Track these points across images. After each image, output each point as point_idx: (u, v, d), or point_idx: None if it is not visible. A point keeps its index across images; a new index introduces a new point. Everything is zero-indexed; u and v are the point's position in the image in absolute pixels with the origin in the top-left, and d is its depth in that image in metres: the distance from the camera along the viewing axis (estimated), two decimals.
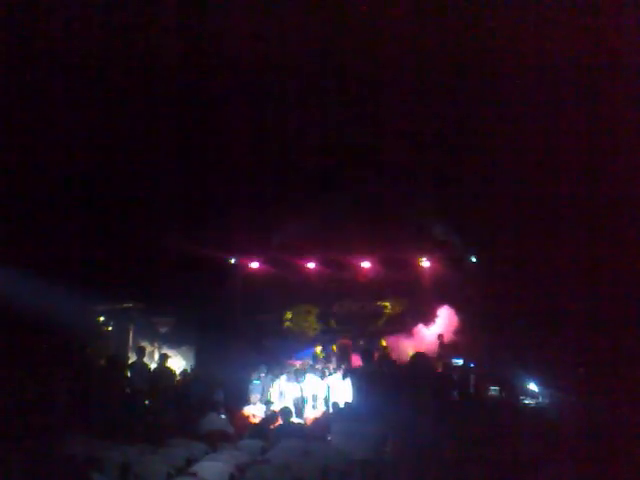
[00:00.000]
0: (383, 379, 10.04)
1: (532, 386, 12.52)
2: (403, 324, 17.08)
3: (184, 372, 14.45)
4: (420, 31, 8.71)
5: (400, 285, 17.91)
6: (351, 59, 9.49)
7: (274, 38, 8.95)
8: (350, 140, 11.62)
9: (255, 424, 10.15)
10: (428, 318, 16.61)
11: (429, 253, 17.29)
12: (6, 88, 9.29)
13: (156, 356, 14.78)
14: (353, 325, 17.65)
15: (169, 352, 14.56)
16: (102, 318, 15.57)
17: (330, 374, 13.50)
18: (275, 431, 8.90)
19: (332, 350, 15.90)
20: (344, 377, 12.65)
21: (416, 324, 16.72)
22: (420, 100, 10.20)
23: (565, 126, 10.28)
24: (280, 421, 9.42)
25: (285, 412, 9.48)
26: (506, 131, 10.77)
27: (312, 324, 18.05)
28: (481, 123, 10.79)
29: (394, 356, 14.27)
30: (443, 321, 16.43)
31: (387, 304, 18.01)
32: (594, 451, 6.50)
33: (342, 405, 11.00)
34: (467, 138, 11.28)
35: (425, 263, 17.42)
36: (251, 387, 13.04)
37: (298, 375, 13.34)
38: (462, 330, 15.96)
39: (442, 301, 16.69)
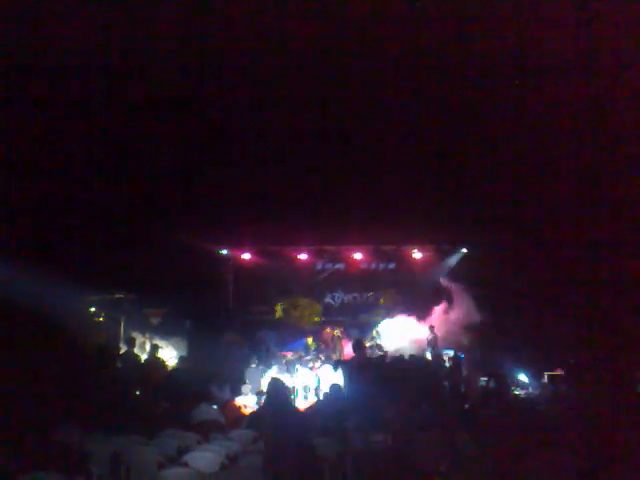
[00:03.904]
0: (373, 370, 10.10)
1: (522, 377, 12.62)
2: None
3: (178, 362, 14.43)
4: (420, 30, 8.72)
5: (392, 276, 17.99)
6: (351, 58, 9.49)
7: (273, 37, 8.94)
8: (346, 133, 11.62)
9: (253, 413, 10.16)
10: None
11: (421, 244, 17.36)
12: (6, 86, 9.28)
13: (147, 347, 14.76)
14: (346, 316, 17.70)
15: (160, 343, 14.55)
16: (93, 309, 15.52)
17: (321, 365, 13.55)
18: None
19: (324, 341, 15.96)
20: (335, 368, 12.70)
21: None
22: (419, 95, 10.23)
23: (563, 121, 10.34)
24: None
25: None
26: (503, 124, 10.82)
27: (304, 315, 18.08)
28: (479, 117, 10.83)
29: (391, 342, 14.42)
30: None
31: (380, 295, 18.07)
32: (584, 441, 6.55)
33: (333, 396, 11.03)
34: (464, 131, 11.31)
35: (417, 254, 17.49)
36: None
37: (289, 366, 13.37)
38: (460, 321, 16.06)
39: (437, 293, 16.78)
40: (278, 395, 6.53)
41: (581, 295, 12.45)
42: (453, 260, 17.45)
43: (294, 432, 6.07)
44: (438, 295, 16.82)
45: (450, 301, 16.47)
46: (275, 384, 6.76)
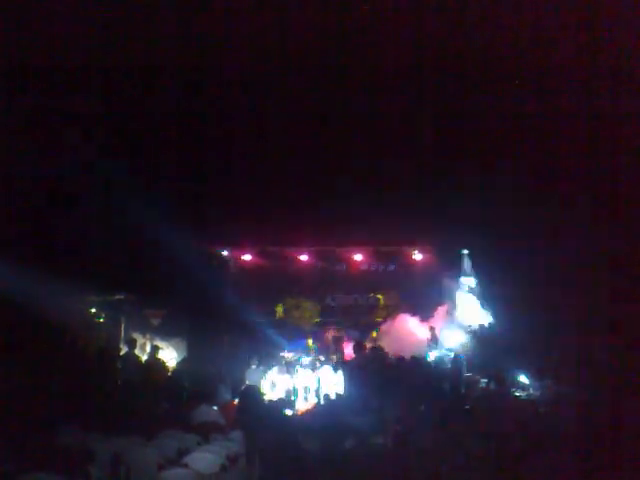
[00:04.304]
0: (374, 371, 10.10)
1: (523, 378, 12.59)
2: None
3: (176, 364, 14.43)
4: (421, 30, 8.72)
5: (393, 277, 17.98)
6: (351, 59, 9.50)
7: (273, 38, 8.95)
8: (346, 134, 11.63)
9: None
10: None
11: (422, 245, 17.34)
12: (8, 86, 9.31)
13: (148, 348, 14.75)
14: (346, 318, 17.68)
15: (161, 344, 14.54)
16: (94, 310, 15.52)
17: (320, 366, 13.55)
18: None
19: (324, 342, 15.95)
20: (335, 370, 12.69)
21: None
22: (419, 96, 10.23)
23: (564, 121, 10.34)
24: None
25: (282, 403, 9.49)
26: (503, 125, 10.82)
27: (304, 317, 18.07)
28: (479, 118, 10.83)
29: (392, 344, 14.39)
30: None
31: (380, 296, 18.05)
32: (584, 442, 6.55)
33: (333, 397, 11.04)
34: (465, 132, 11.32)
35: (417, 256, 17.47)
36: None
37: (289, 367, 13.37)
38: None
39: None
40: (251, 401, 6.55)
41: (582, 296, 12.43)
42: (454, 261, 17.40)
43: (272, 434, 6.08)
44: (441, 295, 16.79)
45: (453, 302, 16.44)
46: (247, 391, 6.78)
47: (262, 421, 6.24)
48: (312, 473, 6.16)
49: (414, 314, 16.75)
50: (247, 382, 12.71)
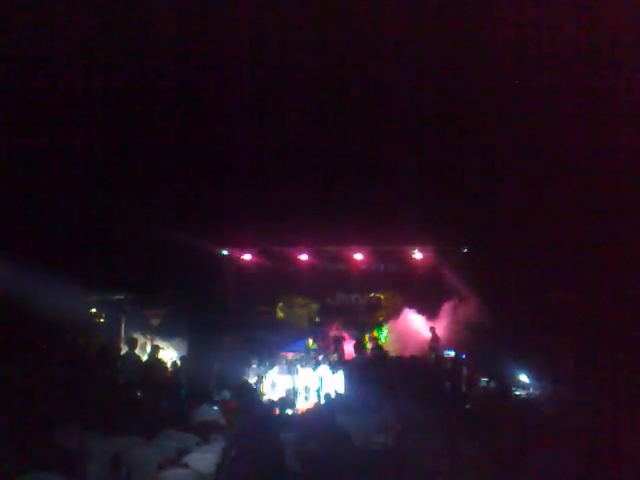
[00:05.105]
0: (374, 370, 10.10)
1: (523, 377, 12.59)
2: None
3: (175, 363, 14.42)
4: (420, 29, 8.71)
5: (393, 276, 17.95)
6: (351, 57, 9.49)
7: (273, 37, 8.95)
8: (346, 133, 11.62)
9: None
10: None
11: (422, 245, 17.31)
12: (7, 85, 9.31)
13: (148, 348, 14.75)
14: (346, 317, 17.66)
15: (161, 344, 14.55)
16: (94, 310, 15.52)
17: (319, 365, 13.55)
18: None
19: (324, 342, 15.94)
20: (334, 371, 12.68)
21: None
22: (419, 95, 10.23)
23: (563, 121, 10.33)
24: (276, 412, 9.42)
25: (282, 402, 9.50)
26: (505, 125, 10.82)
27: (305, 316, 18.06)
28: (476, 116, 10.82)
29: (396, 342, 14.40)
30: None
31: (381, 296, 18.03)
32: (585, 442, 6.54)
33: (334, 396, 11.04)
34: (464, 131, 11.31)
35: (417, 255, 17.45)
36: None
37: (290, 367, 13.37)
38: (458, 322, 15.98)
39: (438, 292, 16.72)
40: (248, 398, 6.55)
41: (583, 296, 12.43)
42: (455, 260, 17.35)
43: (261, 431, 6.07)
44: (445, 293, 16.72)
45: (459, 299, 16.39)
46: (244, 387, 6.78)
47: (259, 421, 6.25)
48: (310, 473, 6.15)
49: (419, 312, 16.72)
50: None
